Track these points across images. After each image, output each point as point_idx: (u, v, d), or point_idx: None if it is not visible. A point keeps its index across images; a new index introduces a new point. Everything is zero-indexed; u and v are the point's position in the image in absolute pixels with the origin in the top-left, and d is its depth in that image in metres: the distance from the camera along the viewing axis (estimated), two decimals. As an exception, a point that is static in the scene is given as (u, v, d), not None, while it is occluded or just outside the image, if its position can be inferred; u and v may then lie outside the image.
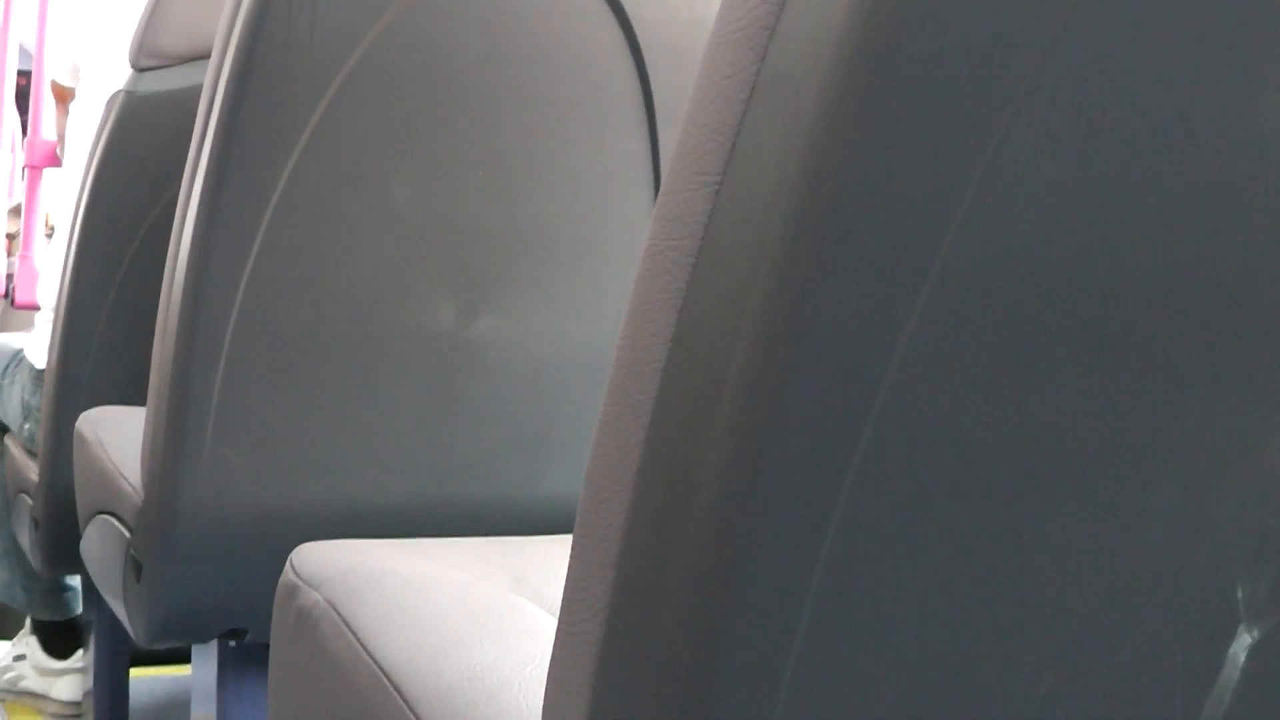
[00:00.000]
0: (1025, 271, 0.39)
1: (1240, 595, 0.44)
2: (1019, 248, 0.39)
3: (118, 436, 1.29)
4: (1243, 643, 0.44)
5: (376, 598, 0.70)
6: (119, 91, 1.59)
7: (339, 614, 0.70)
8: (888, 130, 0.37)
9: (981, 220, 0.38)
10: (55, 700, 2.04)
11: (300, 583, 0.74)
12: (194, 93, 1.14)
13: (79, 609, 1.99)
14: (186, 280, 1.02)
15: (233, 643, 1.13)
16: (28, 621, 2.08)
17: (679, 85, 1.10)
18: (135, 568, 1.09)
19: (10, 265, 2.51)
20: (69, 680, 2.04)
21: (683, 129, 0.43)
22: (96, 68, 1.86)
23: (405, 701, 0.62)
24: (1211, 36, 0.39)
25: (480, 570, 0.76)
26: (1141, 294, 0.41)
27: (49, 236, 2.44)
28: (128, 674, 1.77)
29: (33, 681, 2.05)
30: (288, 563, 0.77)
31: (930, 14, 0.37)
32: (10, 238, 2.74)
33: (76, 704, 2.03)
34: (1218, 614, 0.44)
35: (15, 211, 2.72)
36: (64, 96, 2.06)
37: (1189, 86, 0.39)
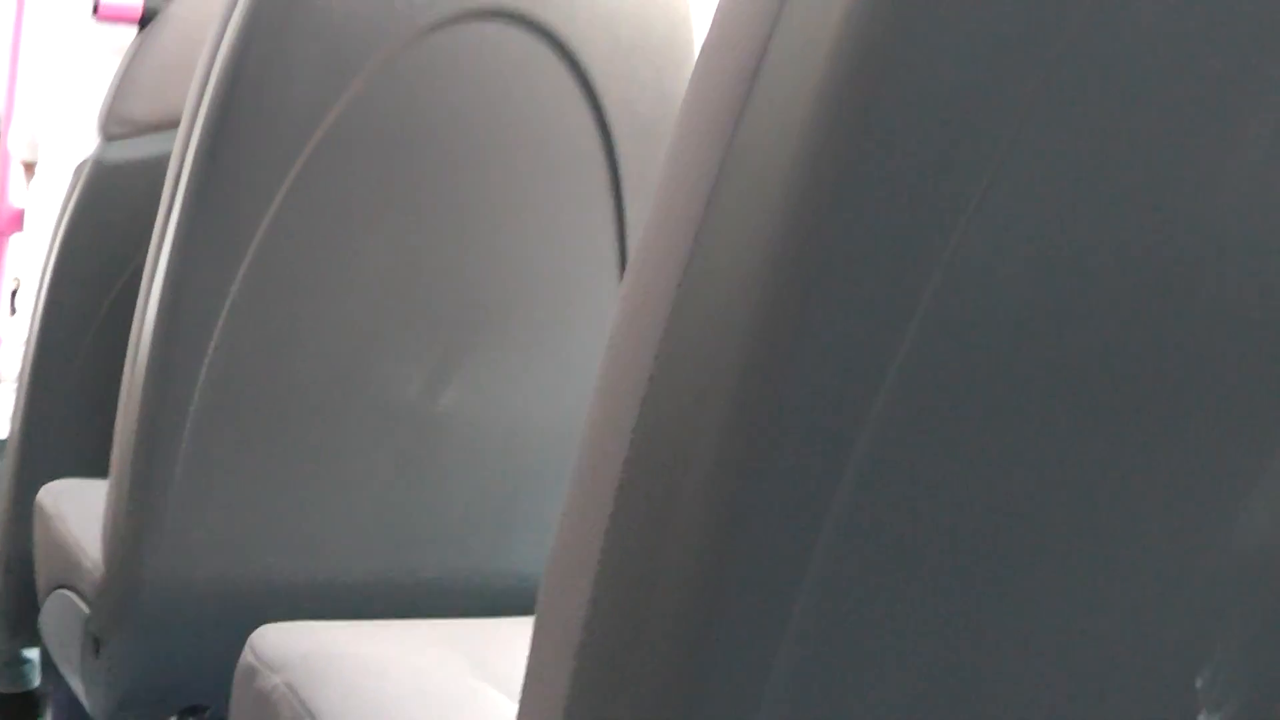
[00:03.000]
0: (997, 335, 0.39)
1: (1200, 684, 0.44)
2: (991, 316, 0.39)
3: (79, 509, 1.27)
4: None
5: (337, 682, 0.69)
6: (86, 160, 1.58)
7: (299, 698, 0.69)
8: (857, 217, 0.37)
9: (954, 297, 0.38)
10: (11, 774, 2.00)
11: (260, 665, 0.73)
12: (162, 162, 1.14)
13: (37, 681, 1.96)
14: (151, 352, 1.01)
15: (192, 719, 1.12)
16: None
17: (646, 160, 1.10)
18: (94, 644, 1.07)
19: (-27, 333, 2.48)
20: (25, 753, 2.01)
21: (651, 211, 0.43)
22: (57, 139, 1.85)
23: (365, 788, 0.61)
24: (1188, 100, 0.40)
25: (442, 654, 0.76)
26: (1112, 361, 0.41)
27: (12, 302, 2.42)
28: (85, 748, 1.74)
29: (-12, 755, 2.01)
30: (247, 645, 0.76)
31: (901, 98, 0.37)
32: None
33: (32, 777, 1.99)
34: (1178, 701, 0.44)
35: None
36: (27, 168, 2.06)
37: (1167, 147, 0.40)
